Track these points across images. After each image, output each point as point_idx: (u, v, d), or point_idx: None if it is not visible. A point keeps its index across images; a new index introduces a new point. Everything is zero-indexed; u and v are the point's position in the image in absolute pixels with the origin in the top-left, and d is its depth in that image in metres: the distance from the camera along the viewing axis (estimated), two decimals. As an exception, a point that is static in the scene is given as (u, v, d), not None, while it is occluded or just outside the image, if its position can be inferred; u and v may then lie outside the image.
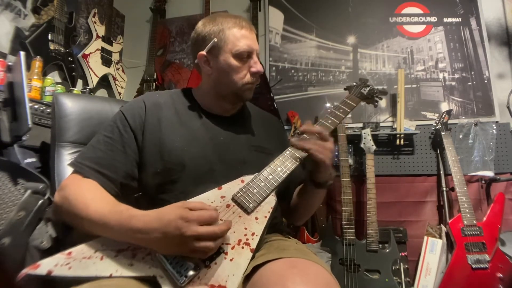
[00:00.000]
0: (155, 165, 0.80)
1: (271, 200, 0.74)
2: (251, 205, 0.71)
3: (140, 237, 0.61)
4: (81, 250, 0.63)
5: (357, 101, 0.98)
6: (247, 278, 0.63)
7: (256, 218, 0.70)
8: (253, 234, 0.68)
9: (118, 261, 0.62)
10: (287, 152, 0.80)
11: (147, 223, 0.61)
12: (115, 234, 0.64)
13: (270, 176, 0.76)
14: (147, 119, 0.84)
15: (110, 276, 0.60)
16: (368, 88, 1.02)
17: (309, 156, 0.79)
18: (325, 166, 0.80)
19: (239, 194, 0.73)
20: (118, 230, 0.63)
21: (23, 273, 0.58)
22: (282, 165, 0.78)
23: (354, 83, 1.04)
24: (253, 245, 0.66)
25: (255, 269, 0.64)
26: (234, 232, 0.67)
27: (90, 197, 0.70)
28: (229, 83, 0.87)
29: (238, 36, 0.85)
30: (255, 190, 0.73)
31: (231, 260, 0.63)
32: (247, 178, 0.76)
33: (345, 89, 1.05)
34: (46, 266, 0.59)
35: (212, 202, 0.71)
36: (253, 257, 0.66)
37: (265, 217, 0.71)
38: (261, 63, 2.29)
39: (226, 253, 0.64)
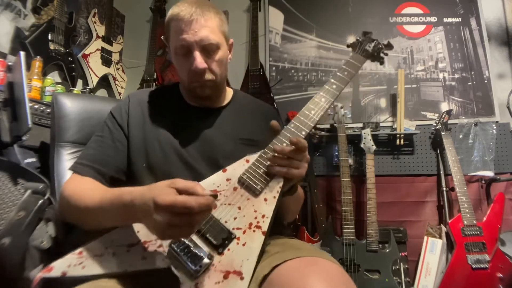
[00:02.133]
0: (140, 161, 0.81)
1: (279, 179, 0.70)
2: (259, 186, 0.68)
3: (131, 211, 0.59)
4: (91, 248, 0.62)
5: (362, 60, 0.87)
6: (265, 277, 0.62)
7: (265, 199, 0.68)
8: (263, 216, 0.66)
9: (131, 255, 0.61)
10: (292, 125, 0.75)
11: (134, 196, 0.59)
12: (113, 216, 0.63)
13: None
14: (130, 114, 0.85)
15: (125, 272, 0.59)
16: (372, 44, 0.90)
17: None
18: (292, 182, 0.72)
19: (245, 176, 0.70)
20: (114, 211, 0.62)
21: (38, 277, 0.57)
22: (288, 140, 0.71)
23: (357, 38, 0.92)
24: (265, 228, 0.64)
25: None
26: (244, 216, 0.65)
27: (84, 188, 0.72)
28: (181, 81, 0.87)
29: (176, 30, 0.78)
30: (261, 170, 0.70)
31: (243, 245, 0.62)
32: (252, 158, 0.73)
33: (348, 46, 0.93)
34: (59, 268, 0.58)
35: (218, 186, 0.69)
36: (265, 243, 0.63)
37: (274, 197, 0.68)
38: (261, 64, 2.31)
39: (238, 238, 0.63)
